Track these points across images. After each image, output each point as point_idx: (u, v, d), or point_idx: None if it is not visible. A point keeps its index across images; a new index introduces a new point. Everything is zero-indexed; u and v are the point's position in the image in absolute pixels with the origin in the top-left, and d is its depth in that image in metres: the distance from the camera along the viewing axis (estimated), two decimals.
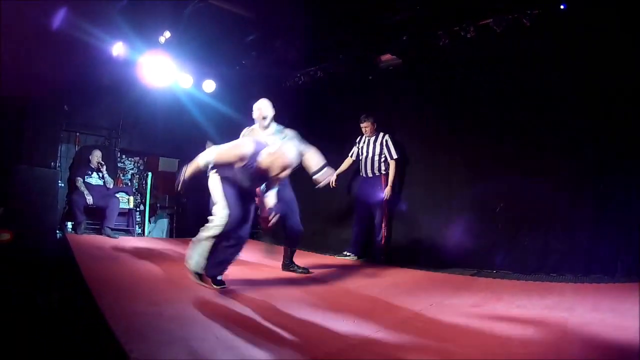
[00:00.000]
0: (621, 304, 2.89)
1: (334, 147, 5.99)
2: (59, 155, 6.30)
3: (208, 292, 3.25)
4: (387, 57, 5.79)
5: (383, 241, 5.27)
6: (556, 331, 2.41)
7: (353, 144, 5.61)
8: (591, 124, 4.09)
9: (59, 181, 6.15)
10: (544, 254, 4.31)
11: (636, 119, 3.81)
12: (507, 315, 2.84)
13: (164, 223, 8.26)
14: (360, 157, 5.50)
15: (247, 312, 2.79)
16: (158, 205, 8.04)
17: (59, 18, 5.00)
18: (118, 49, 5.85)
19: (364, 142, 5.48)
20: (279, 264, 4.47)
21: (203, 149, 3.30)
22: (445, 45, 5.08)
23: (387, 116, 5.64)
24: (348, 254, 5.49)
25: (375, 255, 5.31)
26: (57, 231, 5.90)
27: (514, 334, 2.41)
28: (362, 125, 5.43)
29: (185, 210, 7.94)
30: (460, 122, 5.09)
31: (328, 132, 6.46)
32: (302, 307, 3.01)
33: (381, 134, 5.39)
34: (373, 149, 5.36)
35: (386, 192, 5.21)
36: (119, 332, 2.18)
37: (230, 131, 4.57)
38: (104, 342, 2.23)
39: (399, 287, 3.80)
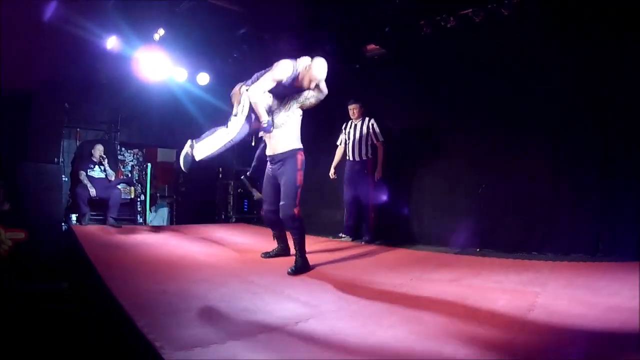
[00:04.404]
0: (596, 282, 2.94)
1: (322, 135, 6.23)
2: (61, 150, 6.57)
3: (204, 272, 3.62)
4: (372, 47, 5.98)
5: (372, 222, 5.50)
6: (525, 304, 2.52)
7: (340, 131, 5.79)
8: (572, 111, 4.23)
9: (63, 176, 6.42)
10: (527, 233, 4.47)
11: (614, 106, 3.98)
12: (482, 289, 3.00)
13: (164, 212, 8.54)
14: (347, 142, 5.65)
15: (242, 287, 3.10)
16: (158, 194, 8.31)
17: (54, 12, 5.15)
18: (112, 42, 6.00)
19: (350, 127, 5.65)
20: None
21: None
22: (427, 35, 5.24)
23: (374, 103, 5.82)
24: (343, 236, 5.71)
25: (364, 235, 5.54)
26: (62, 223, 6.18)
27: (484, 305, 2.59)
28: (350, 107, 5.61)
29: (184, 198, 8.27)
30: (444, 107, 5.30)
31: (316, 121, 6.68)
32: (291, 281, 3.37)
33: (367, 119, 5.57)
34: (360, 133, 5.54)
35: (377, 174, 5.42)
36: (128, 307, 2.49)
37: (224, 122, 4.75)
38: (116, 316, 2.55)
39: (383, 264, 4.04)
